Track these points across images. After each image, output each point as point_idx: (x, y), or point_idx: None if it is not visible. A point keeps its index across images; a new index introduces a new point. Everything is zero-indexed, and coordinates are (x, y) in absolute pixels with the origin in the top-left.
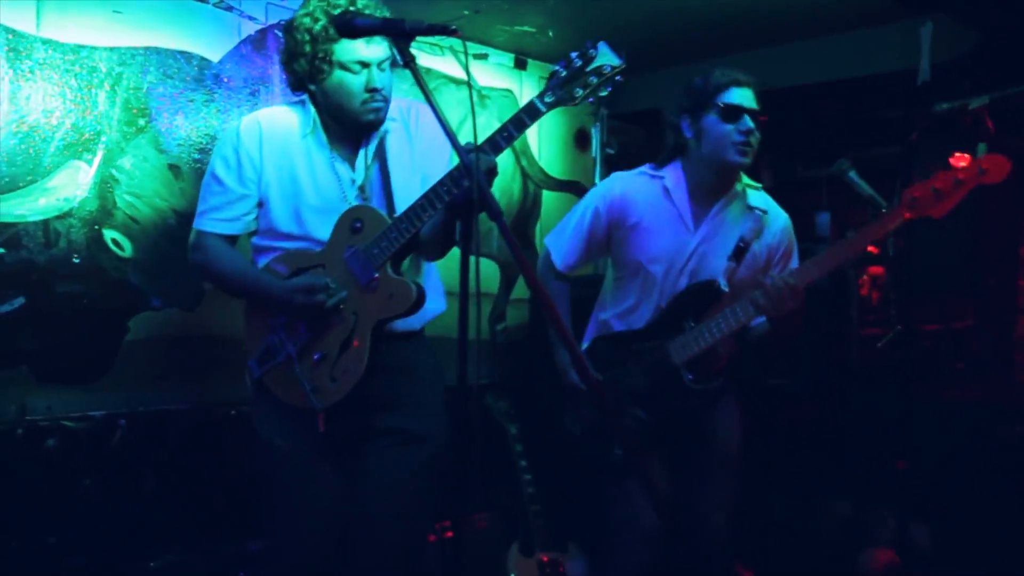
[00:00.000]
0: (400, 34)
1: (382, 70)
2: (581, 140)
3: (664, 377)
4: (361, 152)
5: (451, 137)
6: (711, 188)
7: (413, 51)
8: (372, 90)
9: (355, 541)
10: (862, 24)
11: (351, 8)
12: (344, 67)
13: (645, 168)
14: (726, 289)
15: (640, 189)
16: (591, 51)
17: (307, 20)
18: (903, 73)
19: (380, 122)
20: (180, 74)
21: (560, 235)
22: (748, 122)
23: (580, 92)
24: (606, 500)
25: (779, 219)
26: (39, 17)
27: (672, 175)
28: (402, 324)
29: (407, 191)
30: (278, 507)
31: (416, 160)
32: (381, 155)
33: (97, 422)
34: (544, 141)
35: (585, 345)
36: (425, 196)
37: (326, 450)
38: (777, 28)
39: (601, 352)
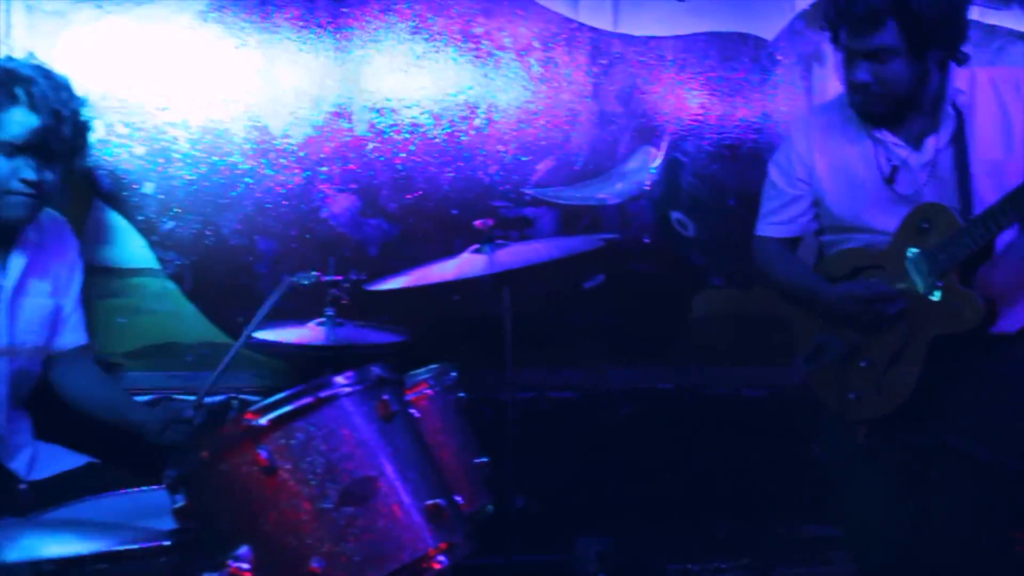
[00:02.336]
0: None
1: (881, 63)
2: None
3: None
4: (930, 138)
5: None
6: None
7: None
8: (856, 85)
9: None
10: None
11: None
12: (846, 53)
13: None
14: None
15: None
16: None
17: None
18: None
19: (873, 116)
20: (737, 56)
21: None
22: None
23: None
24: None
25: None
26: (616, 14)
27: None
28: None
29: (993, 182)
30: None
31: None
32: (959, 139)
33: (663, 395)
34: None
35: None
36: (1008, 197)
37: (868, 462)
38: None
39: None
